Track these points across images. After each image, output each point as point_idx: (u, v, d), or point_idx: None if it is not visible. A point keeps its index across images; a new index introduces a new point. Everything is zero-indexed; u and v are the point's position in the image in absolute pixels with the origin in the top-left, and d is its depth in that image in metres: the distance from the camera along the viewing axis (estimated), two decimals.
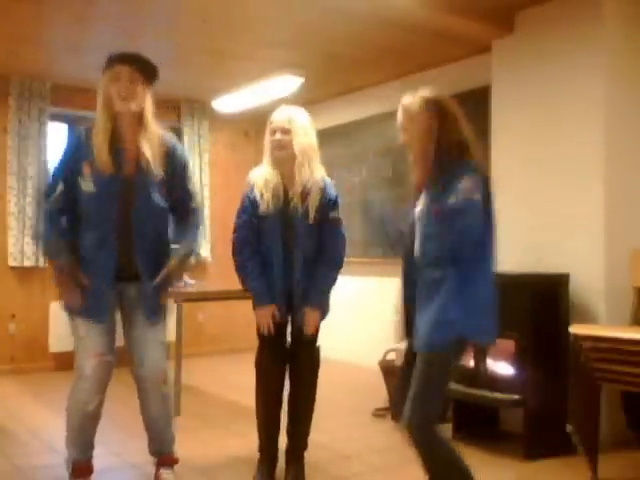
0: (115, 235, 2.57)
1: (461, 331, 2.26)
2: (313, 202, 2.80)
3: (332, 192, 2.87)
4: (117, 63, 2.54)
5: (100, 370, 2.60)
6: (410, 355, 2.43)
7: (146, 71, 2.58)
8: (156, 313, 2.71)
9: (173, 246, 2.73)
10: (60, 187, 2.59)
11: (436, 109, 2.35)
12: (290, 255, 2.81)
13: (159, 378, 2.73)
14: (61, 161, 2.66)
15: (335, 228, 2.87)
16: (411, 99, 2.42)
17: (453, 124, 2.35)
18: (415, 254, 2.42)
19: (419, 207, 2.46)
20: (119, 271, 2.61)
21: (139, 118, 2.57)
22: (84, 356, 2.60)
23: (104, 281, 2.60)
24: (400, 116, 2.44)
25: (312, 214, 2.80)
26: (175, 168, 2.67)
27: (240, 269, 2.86)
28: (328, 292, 2.90)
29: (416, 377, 2.30)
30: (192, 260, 2.74)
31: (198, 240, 2.83)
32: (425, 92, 2.41)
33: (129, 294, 2.68)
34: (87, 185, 2.54)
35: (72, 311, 2.65)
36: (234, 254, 2.87)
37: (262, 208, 2.80)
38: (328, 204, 2.84)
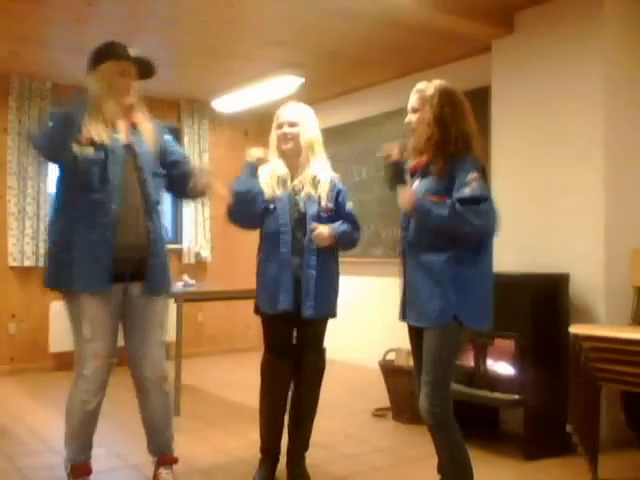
0: (117, 201, 2.57)
1: (457, 313, 2.33)
2: (324, 189, 2.84)
3: (341, 185, 2.92)
4: (125, 59, 2.65)
5: (101, 372, 2.61)
6: (417, 343, 2.48)
7: (146, 72, 2.75)
8: (163, 285, 2.74)
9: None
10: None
11: (449, 98, 2.41)
12: (299, 239, 2.80)
13: (160, 376, 2.75)
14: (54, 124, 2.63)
15: (353, 218, 2.89)
16: (427, 84, 2.49)
17: (463, 115, 2.41)
18: (410, 237, 2.46)
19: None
20: (123, 257, 2.59)
21: (128, 107, 2.70)
22: (87, 357, 2.59)
23: (105, 251, 2.55)
24: (412, 98, 2.50)
25: (324, 202, 2.83)
26: (163, 142, 2.79)
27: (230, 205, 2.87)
28: (346, 234, 2.84)
29: (426, 364, 2.37)
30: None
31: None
32: (439, 81, 2.48)
33: (133, 292, 2.68)
34: (87, 150, 2.52)
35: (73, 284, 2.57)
36: (229, 213, 2.88)
37: (268, 193, 2.83)
38: (339, 195, 2.88)
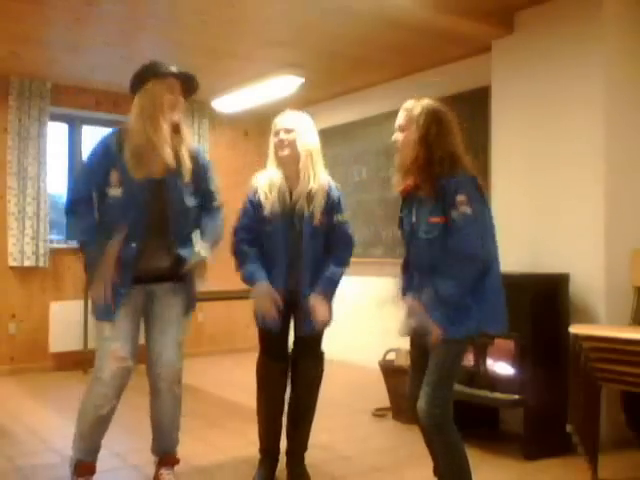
0: (139, 237, 2.61)
1: (477, 321, 2.34)
2: (318, 203, 2.79)
3: (336, 193, 2.87)
4: (171, 76, 2.67)
5: (119, 376, 2.61)
6: (418, 344, 2.48)
7: (189, 88, 2.76)
8: (189, 307, 2.83)
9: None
10: (94, 197, 2.62)
11: (435, 118, 2.40)
12: (294, 256, 2.79)
13: (174, 378, 2.76)
14: (88, 169, 2.69)
15: (342, 230, 2.86)
16: (414, 103, 2.47)
17: (449, 135, 2.40)
18: (411, 259, 2.47)
19: (407, 213, 2.51)
20: (145, 272, 2.64)
21: (175, 125, 2.69)
22: (105, 359, 2.60)
23: (121, 283, 2.61)
24: (400, 116, 2.49)
25: (318, 216, 2.79)
26: (200, 171, 2.77)
27: (238, 255, 2.84)
28: (335, 285, 2.84)
29: (432, 365, 2.36)
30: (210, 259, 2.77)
31: (218, 239, 2.81)
32: (428, 100, 2.47)
33: (156, 294, 2.72)
34: (115, 191, 2.60)
35: (101, 313, 2.63)
36: (234, 253, 2.86)
37: (267, 209, 2.79)
38: (333, 206, 2.84)
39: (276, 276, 2.78)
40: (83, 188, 2.67)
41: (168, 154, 2.58)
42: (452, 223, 2.32)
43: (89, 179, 2.66)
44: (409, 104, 2.47)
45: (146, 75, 2.66)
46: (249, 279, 2.78)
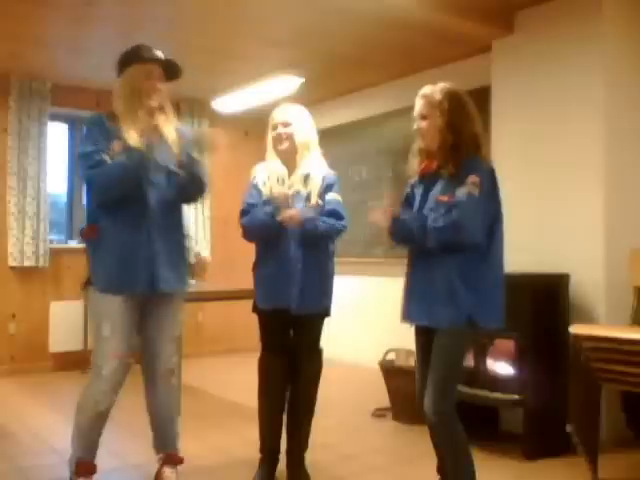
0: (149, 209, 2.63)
1: (471, 314, 2.32)
2: (315, 186, 2.83)
3: (331, 177, 2.90)
4: (150, 62, 2.70)
5: (119, 372, 2.62)
6: (423, 344, 2.48)
7: (171, 73, 2.81)
8: (180, 277, 2.76)
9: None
10: (105, 158, 2.57)
11: (458, 101, 2.42)
12: (292, 240, 2.80)
13: (169, 369, 2.77)
14: (90, 138, 2.65)
15: (332, 206, 2.84)
16: (433, 88, 2.47)
17: (471, 117, 2.42)
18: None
19: (422, 193, 2.49)
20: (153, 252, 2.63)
21: (159, 108, 2.72)
22: (104, 356, 2.61)
23: (140, 250, 2.60)
24: (420, 104, 2.48)
25: (314, 198, 2.82)
26: (184, 145, 2.77)
27: (248, 227, 2.85)
28: (315, 223, 2.77)
29: (435, 363, 2.36)
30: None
31: (200, 168, 2.78)
32: (444, 84, 2.47)
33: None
34: (120, 158, 2.58)
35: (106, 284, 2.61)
36: (245, 233, 2.88)
37: (265, 193, 2.84)
38: (328, 187, 2.86)
39: (277, 261, 2.80)
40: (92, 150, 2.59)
41: (133, 138, 2.58)
42: (455, 200, 2.32)
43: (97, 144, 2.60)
44: (427, 90, 2.47)
45: (128, 59, 2.68)
46: (261, 218, 2.79)
